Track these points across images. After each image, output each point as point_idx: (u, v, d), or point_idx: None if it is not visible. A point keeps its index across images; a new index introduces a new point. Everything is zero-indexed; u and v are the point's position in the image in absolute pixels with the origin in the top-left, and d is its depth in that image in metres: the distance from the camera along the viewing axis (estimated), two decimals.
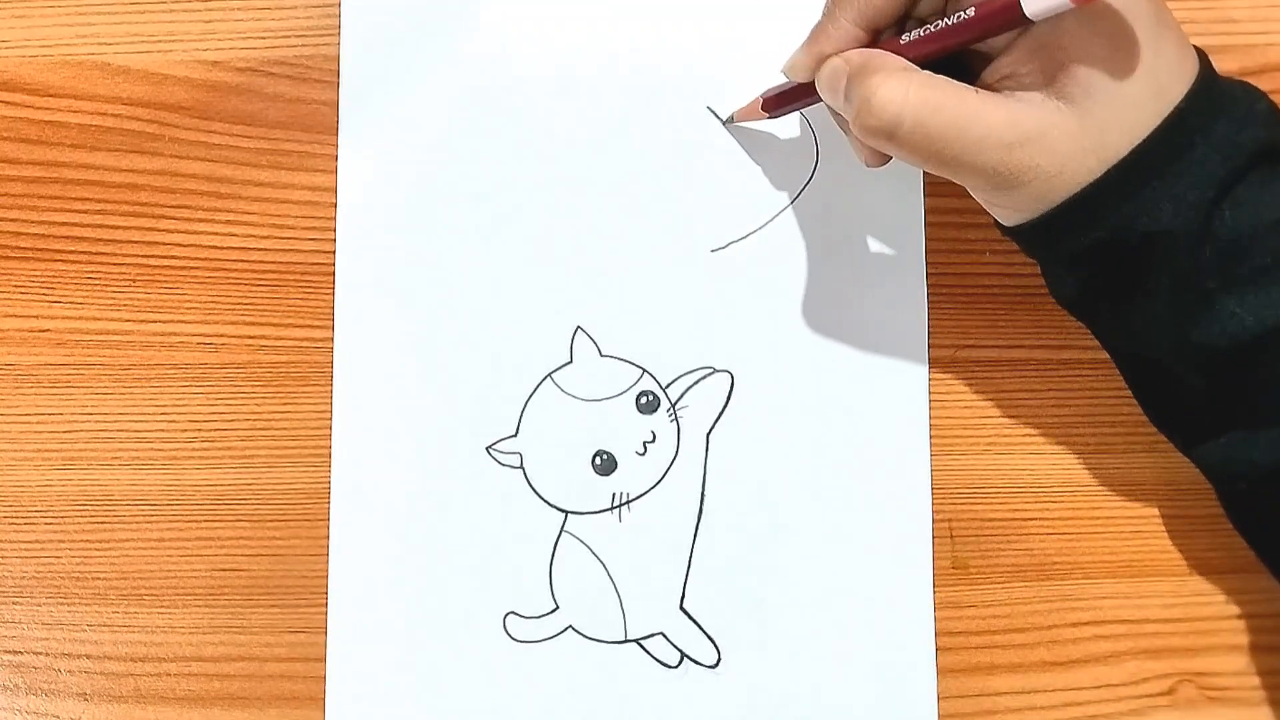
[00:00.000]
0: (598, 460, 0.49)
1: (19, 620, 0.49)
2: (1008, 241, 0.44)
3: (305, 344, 0.49)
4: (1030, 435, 0.49)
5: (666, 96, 0.50)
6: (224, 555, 0.49)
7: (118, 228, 0.50)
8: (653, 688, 0.48)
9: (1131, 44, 0.39)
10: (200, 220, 0.50)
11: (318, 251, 0.49)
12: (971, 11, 0.40)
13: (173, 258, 0.49)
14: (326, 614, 0.48)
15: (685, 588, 0.49)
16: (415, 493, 0.49)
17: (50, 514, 0.49)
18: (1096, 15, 0.39)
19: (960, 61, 0.42)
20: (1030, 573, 0.49)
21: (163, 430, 0.49)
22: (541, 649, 0.49)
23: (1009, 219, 0.43)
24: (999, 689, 0.49)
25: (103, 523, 0.49)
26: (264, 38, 0.50)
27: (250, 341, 0.49)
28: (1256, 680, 0.49)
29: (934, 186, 0.49)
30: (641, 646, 0.49)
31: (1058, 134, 0.39)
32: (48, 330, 0.49)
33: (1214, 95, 0.40)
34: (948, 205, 0.49)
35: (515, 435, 0.49)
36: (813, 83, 0.43)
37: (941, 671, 0.48)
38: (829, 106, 0.43)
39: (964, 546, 0.49)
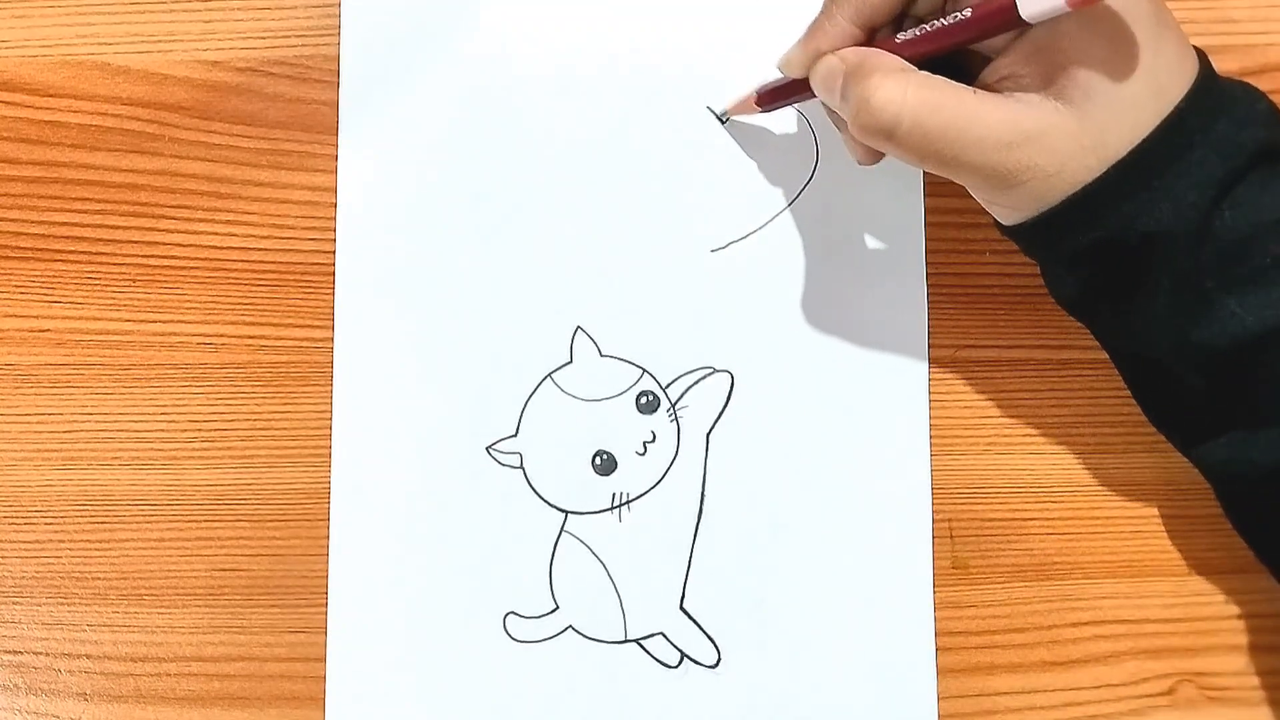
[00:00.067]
0: (598, 460, 0.49)
1: (19, 620, 0.49)
2: (1008, 241, 0.44)
3: (305, 344, 0.49)
4: (1030, 435, 0.49)
5: (666, 96, 0.50)
6: (224, 555, 0.49)
7: (118, 228, 0.50)
8: (653, 688, 0.48)
9: (1131, 45, 0.39)
10: (200, 220, 0.50)
11: (318, 251, 0.49)
12: (968, 12, 0.40)
13: (173, 258, 0.50)
14: (326, 614, 0.48)
15: (685, 588, 0.49)
16: (415, 493, 0.49)
17: (50, 514, 0.49)
18: (1096, 16, 0.39)
19: (959, 62, 0.42)
20: (1030, 573, 0.49)
21: (163, 430, 0.49)
22: (541, 649, 0.49)
23: (1009, 219, 0.43)
24: (999, 689, 0.49)
25: (103, 523, 0.49)
26: (264, 38, 0.50)
27: (250, 341, 0.49)
28: (1256, 680, 0.49)
29: (934, 186, 0.49)
30: (641, 646, 0.49)
31: (1057, 134, 0.39)
32: (48, 330, 0.49)
33: (1214, 95, 0.40)
34: (948, 205, 0.49)
35: (515, 435, 0.49)
36: (807, 78, 0.43)
37: (941, 671, 0.48)
38: (823, 104, 0.43)
39: (964, 546, 0.49)
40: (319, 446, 0.49)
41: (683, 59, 0.50)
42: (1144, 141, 0.39)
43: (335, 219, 0.49)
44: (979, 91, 0.40)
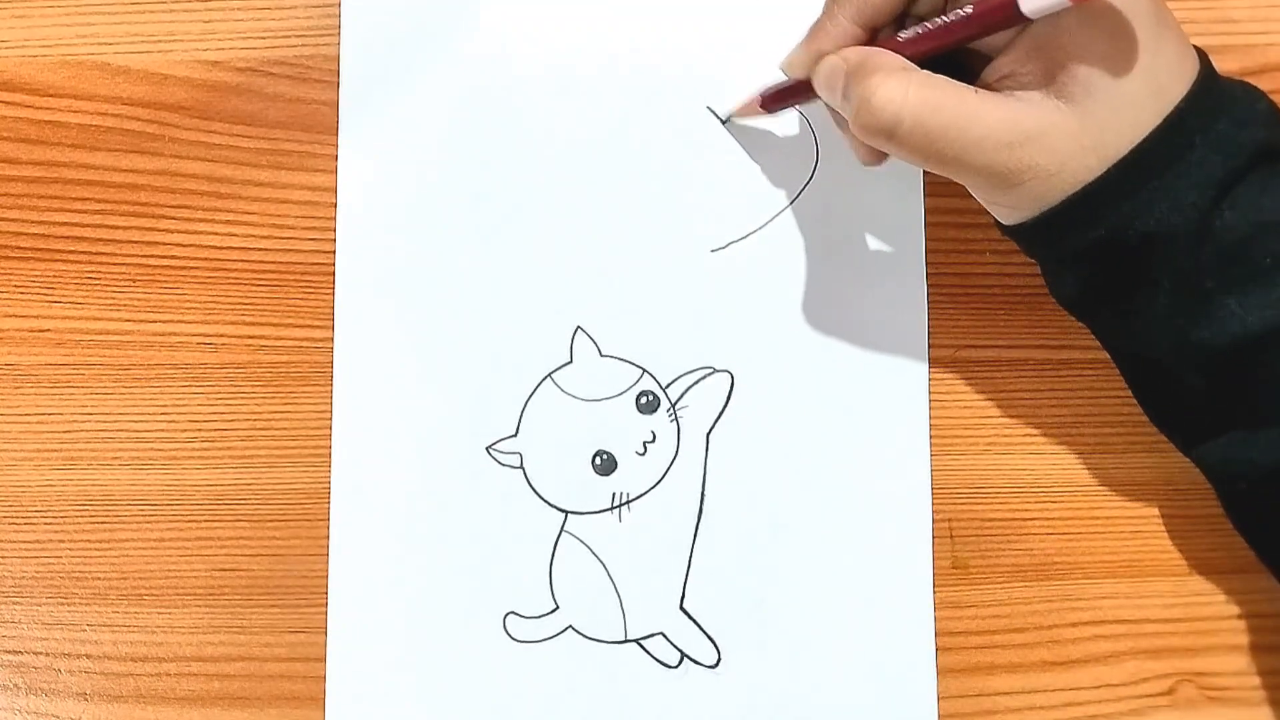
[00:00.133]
0: (598, 460, 0.49)
1: (19, 620, 0.49)
2: (1008, 241, 0.44)
3: (305, 344, 0.49)
4: (1030, 435, 0.49)
5: (666, 96, 0.50)
6: (224, 555, 0.49)
7: (118, 228, 0.50)
8: (653, 688, 0.48)
9: (1131, 43, 0.39)
10: (200, 220, 0.50)
11: (318, 251, 0.49)
12: (969, 9, 0.40)
13: (173, 258, 0.50)
14: (326, 614, 0.48)
15: (685, 588, 0.49)
16: (415, 493, 0.49)
17: (50, 514, 0.49)
18: (1096, 14, 0.39)
19: (959, 61, 0.42)
20: (1030, 573, 0.49)
21: (163, 430, 0.49)
22: (541, 649, 0.49)
23: (1009, 218, 0.43)
24: (999, 689, 0.49)
25: (103, 523, 0.49)
26: (264, 38, 0.50)
27: (250, 341, 0.49)
28: (1256, 680, 0.49)
29: (934, 186, 0.49)
30: (641, 646, 0.49)
31: (1057, 133, 0.39)
32: (48, 330, 0.49)
33: (1214, 95, 0.40)
34: (948, 205, 0.49)
35: (515, 435, 0.49)
36: (810, 80, 0.43)
37: (941, 671, 0.48)
38: (826, 104, 0.43)
39: (964, 546, 0.49)
40: (319, 446, 0.49)
41: (683, 59, 0.50)
42: (1144, 141, 0.39)
43: (335, 219, 0.49)
44: (980, 91, 0.40)
